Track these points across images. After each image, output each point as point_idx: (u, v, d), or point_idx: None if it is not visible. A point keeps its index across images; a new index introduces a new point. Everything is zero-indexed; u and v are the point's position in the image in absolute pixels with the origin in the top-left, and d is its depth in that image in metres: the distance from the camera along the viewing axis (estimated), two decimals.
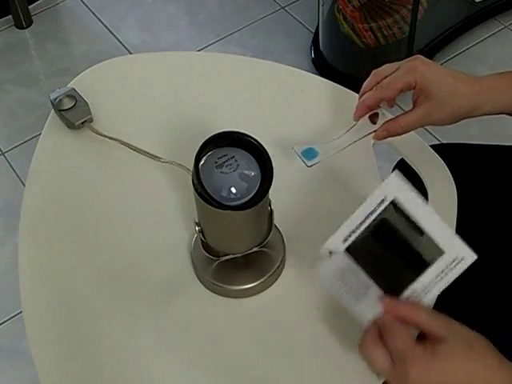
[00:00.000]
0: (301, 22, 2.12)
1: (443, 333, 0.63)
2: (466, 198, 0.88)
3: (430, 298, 0.67)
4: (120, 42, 2.07)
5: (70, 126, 0.94)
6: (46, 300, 0.80)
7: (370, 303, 0.66)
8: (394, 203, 0.67)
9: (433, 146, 0.93)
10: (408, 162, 0.92)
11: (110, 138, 0.92)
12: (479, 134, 1.74)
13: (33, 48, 2.10)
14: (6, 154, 1.83)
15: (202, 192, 0.69)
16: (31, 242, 0.85)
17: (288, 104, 0.97)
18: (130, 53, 2.03)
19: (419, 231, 0.67)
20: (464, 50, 2.01)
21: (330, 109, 0.97)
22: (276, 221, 0.78)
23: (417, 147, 0.92)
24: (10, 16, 2.10)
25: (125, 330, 0.78)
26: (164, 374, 0.75)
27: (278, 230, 0.82)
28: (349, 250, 0.68)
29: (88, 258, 0.83)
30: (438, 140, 1.69)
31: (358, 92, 0.97)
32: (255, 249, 0.77)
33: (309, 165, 0.82)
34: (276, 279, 0.81)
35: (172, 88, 1.00)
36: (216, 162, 0.70)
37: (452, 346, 0.62)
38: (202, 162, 0.70)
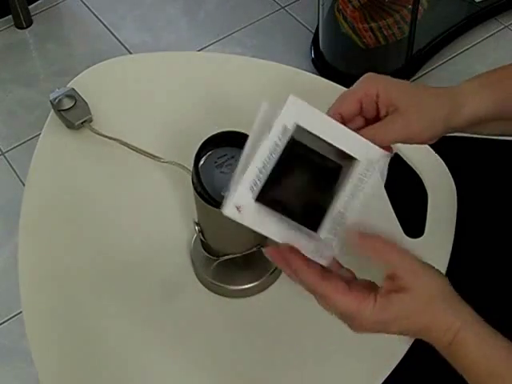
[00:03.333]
0: (301, 22, 2.12)
1: (407, 283, 0.62)
2: (463, 192, 0.88)
3: (355, 207, 0.64)
4: (120, 42, 2.07)
5: (70, 126, 0.94)
6: (46, 300, 0.80)
7: (320, 244, 0.63)
8: (297, 129, 0.61)
9: None
10: (404, 158, 0.92)
11: (110, 138, 0.92)
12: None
13: (33, 48, 2.10)
14: (5, 154, 1.83)
15: (201, 192, 0.69)
16: (31, 242, 0.85)
17: None
18: (130, 53, 2.03)
19: (329, 148, 0.62)
20: (464, 50, 2.01)
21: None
22: None
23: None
24: (10, 16, 2.10)
25: (125, 329, 0.78)
26: (164, 373, 0.75)
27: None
28: (260, 198, 0.60)
29: (88, 257, 0.83)
30: None
31: None
32: (255, 249, 0.77)
33: None
34: (276, 279, 0.81)
35: (172, 88, 1.00)
36: (216, 162, 0.70)
37: (410, 298, 0.61)
38: (201, 162, 0.70)
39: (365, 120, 0.69)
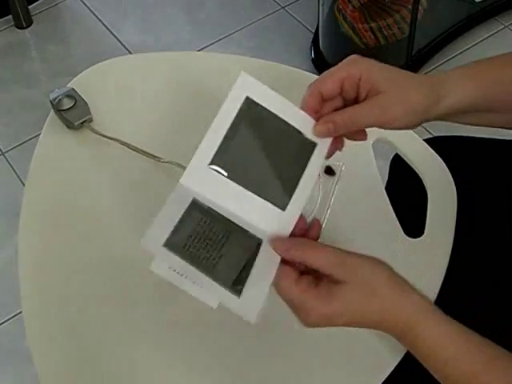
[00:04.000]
0: (301, 22, 2.12)
1: (340, 276, 0.62)
2: (463, 192, 0.88)
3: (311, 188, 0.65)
4: (120, 42, 2.07)
5: (70, 126, 0.94)
6: (46, 300, 0.80)
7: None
8: (249, 105, 0.65)
9: (426, 140, 0.94)
10: (404, 157, 0.92)
11: (110, 138, 0.92)
12: (475, 131, 1.73)
13: (33, 48, 2.10)
14: (5, 154, 1.83)
15: None
16: (31, 242, 0.85)
17: None
18: (130, 53, 2.03)
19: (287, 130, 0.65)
20: (464, 50, 2.01)
21: None
22: None
23: (411, 142, 0.93)
24: (10, 16, 2.10)
25: (125, 329, 0.78)
26: (164, 373, 0.75)
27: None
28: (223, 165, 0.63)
29: (88, 257, 0.83)
30: (432, 134, 1.69)
31: None
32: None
33: None
34: None
35: (172, 88, 1.00)
36: None
37: (350, 290, 0.61)
38: None
39: (344, 101, 0.69)
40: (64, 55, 2.05)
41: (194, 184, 0.63)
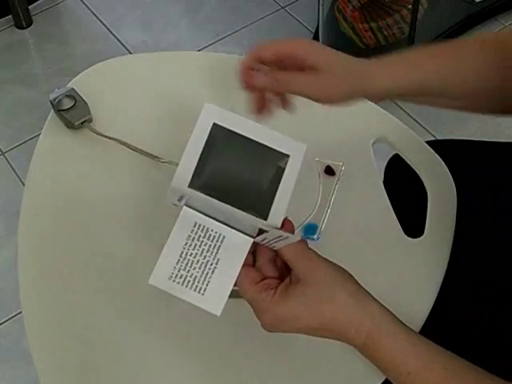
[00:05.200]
0: (301, 22, 2.12)
1: (302, 271, 0.62)
2: (463, 192, 0.88)
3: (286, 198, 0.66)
4: (120, 42, 2.07)
5: (70, 126, 0.94)
6: (46, 300, 0.80)
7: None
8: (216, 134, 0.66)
9: (428, 143, 0.94)
10: (404, 158, 0.92)
11: (110, 138, 0.92)
12: (477, 133, 1.74)
13: (33, 48, 2.10)
14: (5, 154, 1.83)
15: None
16: (31, 242, 0.85)
17: None
18: (130, 53, 2.03)
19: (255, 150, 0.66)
20: None
21: (330, 109, 0.97)
22: None
23: (412, 143, 0.93)
24: (10, 16, 2.10)
25: (125, 330, 0.78)
26: (164, 373, 0.75)
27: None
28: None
29: (88, 257, 0.83)
30: (434, 137, 1.70)
31: None
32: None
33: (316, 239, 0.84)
34: None
35: (172, 88, 1.00)
36: None
37: (307, 291, 0.61)
38: None
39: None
40: (64, 55, 2.05)
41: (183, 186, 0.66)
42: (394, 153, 0.97)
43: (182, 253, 0.64)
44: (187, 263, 0.64)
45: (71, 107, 0.93)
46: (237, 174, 0.66)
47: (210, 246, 0.64)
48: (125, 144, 0.92)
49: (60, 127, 0.94)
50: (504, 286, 0.88)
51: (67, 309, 0.80)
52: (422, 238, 0.85)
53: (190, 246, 0.65)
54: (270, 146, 0.67)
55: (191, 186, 0.66)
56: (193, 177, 0.66)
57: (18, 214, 0.86)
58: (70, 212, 0.88)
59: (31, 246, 0.85)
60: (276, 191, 0.66)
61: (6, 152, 1.83)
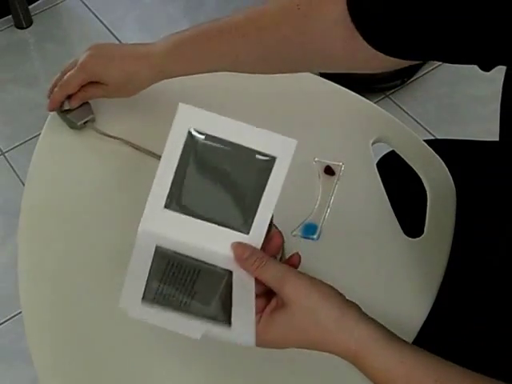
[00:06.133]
0: None
1: (287, 300, 0.61)
2: (463, 192, 0.88)
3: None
4: (120, 42, 2.07)
5: (73, 126, 0.93)
6: (46, 300, 0.80)
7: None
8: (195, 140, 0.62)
9: (427, 142, 0.94)
10: (404, 158, 0.92)
11: (113, 138, 0.92)
12: (477, 133, 1.74)
13: (33, 48, 2.10)
14: (5, 154, 1.83)
15: None
16: (31, 242, 0.85)
17: (288, 104, 0.97)
18: None
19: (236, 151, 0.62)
20: None
21: (330, 109, 0.97)
22: (275, 220, 0.77)
23: (411, 142, 0.93)
24: (10, 16, 2.10)
25: (124, 329, 0.78)
26: (164, 374, 0.75)
27: (278, 230, 0.82)
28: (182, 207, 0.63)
29: (88, 258, 0.83)
30: (434, 137, 1.70)
31: (358, 92, 0.98)
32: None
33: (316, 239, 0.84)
34: None
35: (173, 87, 1.00)
36: None
37: (291, 316, 0.61)
38: None
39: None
40: (64, 55, 2.05)
41: (154, 227, 0.64)
42: (384, 153, 0.97)
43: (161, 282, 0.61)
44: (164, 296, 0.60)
45: (74, 107, 0.93)
46: (216, 187, 0.62)
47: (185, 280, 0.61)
48: (128, 143, 0.92)
49: (60, 127, 0.94)
50: (504, 286, 0.88)
51: (67, 309, 0.80)
52: (421, 237, 0.85)
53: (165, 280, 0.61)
54: (253, 148, 0.62)
55: (166, 206, 0.64)
56: (168, 197, 0.63)
57: (17, 213, 0.86)
58: (70, 212, 0.88)
59: (31, 245, 0.85)
60: (260, 201, 0.62)
61: (6, 152, 1.83)
